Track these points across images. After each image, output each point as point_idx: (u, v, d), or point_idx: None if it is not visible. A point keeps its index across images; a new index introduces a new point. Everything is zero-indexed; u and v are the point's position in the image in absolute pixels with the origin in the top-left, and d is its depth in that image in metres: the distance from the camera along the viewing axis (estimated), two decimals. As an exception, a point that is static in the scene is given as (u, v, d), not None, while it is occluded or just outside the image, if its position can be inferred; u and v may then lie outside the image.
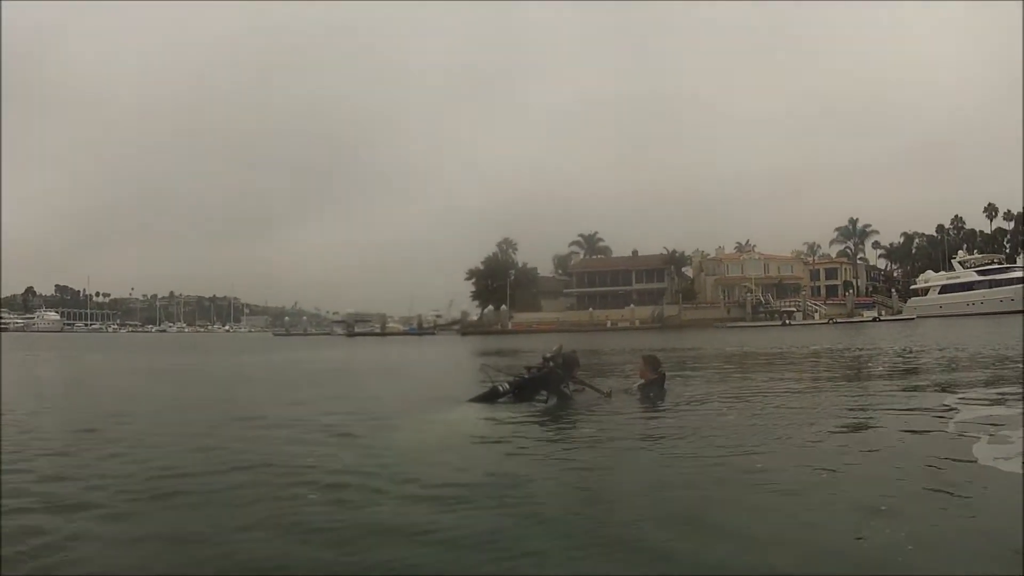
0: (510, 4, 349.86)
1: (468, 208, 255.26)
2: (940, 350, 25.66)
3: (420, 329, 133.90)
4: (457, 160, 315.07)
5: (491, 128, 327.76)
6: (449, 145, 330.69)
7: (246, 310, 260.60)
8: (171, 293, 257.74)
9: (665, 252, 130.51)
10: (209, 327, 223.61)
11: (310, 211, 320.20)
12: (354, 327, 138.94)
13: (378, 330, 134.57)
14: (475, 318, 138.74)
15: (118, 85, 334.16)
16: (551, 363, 11.96)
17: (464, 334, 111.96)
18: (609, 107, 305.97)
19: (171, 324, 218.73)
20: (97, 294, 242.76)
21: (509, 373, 12.92)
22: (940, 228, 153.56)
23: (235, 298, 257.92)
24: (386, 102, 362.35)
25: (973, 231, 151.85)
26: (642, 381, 12.87)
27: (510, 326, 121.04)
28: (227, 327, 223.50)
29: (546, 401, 11.53)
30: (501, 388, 11.84)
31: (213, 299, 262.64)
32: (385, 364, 33.88)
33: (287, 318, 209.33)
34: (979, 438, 7.68)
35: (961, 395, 11.55)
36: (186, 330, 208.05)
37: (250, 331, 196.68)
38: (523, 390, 11.79)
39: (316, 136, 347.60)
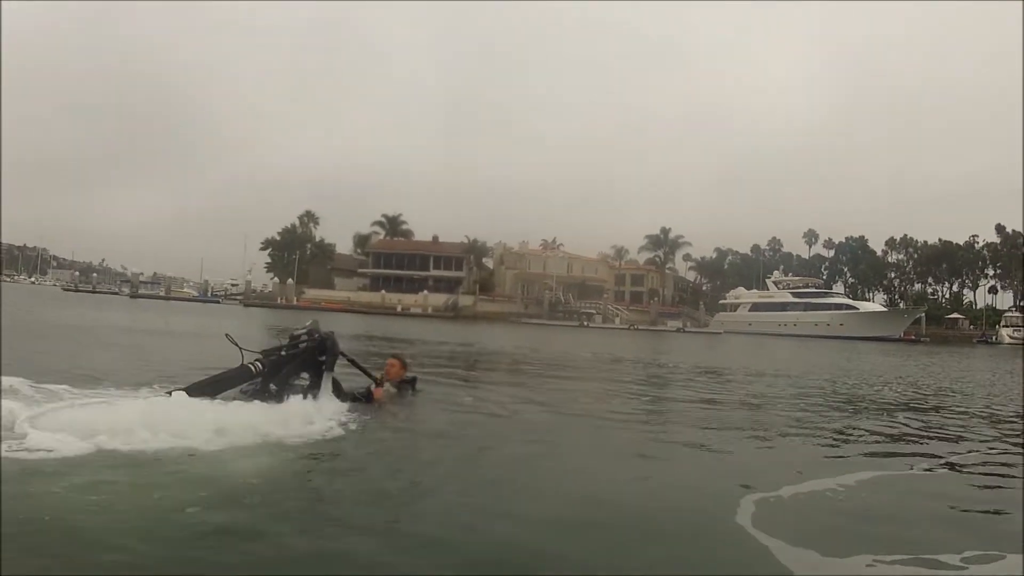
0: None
1: (280, 179, 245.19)
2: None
3: (205, 296, 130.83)
4: (278, 129, 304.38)
5: (312, 103, 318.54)
6: (272, 114, 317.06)
7: (54, 263, 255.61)
8: None
9: (467, 241, 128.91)
10: (15, 277, 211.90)
11: (124, 164, 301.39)
12: (138, 288, 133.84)
13: (162, 293, 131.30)
14: (263, 289, 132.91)
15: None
16: (302, 343, 9.71)
17: (247, 305, 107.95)
18: (434, 95, 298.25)
19: None
20: None
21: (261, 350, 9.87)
22: (756, 248, 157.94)
23: (44, 249, 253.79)
24: (219, 57, 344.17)
25: (790, 254, 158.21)
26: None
27: (296, 301, 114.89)
28: (32, 279, 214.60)
29: (306, 388, 9.44)
30: (254, 368, 9.31)
31: (23, 248, 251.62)
32: (117, 327, 32.36)
33: (95, 275, 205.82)
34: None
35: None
36: None
37: (54, 284, 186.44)
38: (278, 370, 9.42)
39: (141, 84, 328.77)
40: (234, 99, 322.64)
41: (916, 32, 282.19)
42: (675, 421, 11.40)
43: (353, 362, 10.87)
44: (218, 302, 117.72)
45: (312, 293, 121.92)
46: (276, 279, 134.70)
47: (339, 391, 9.86)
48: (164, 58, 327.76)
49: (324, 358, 9.70)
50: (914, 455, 9.24)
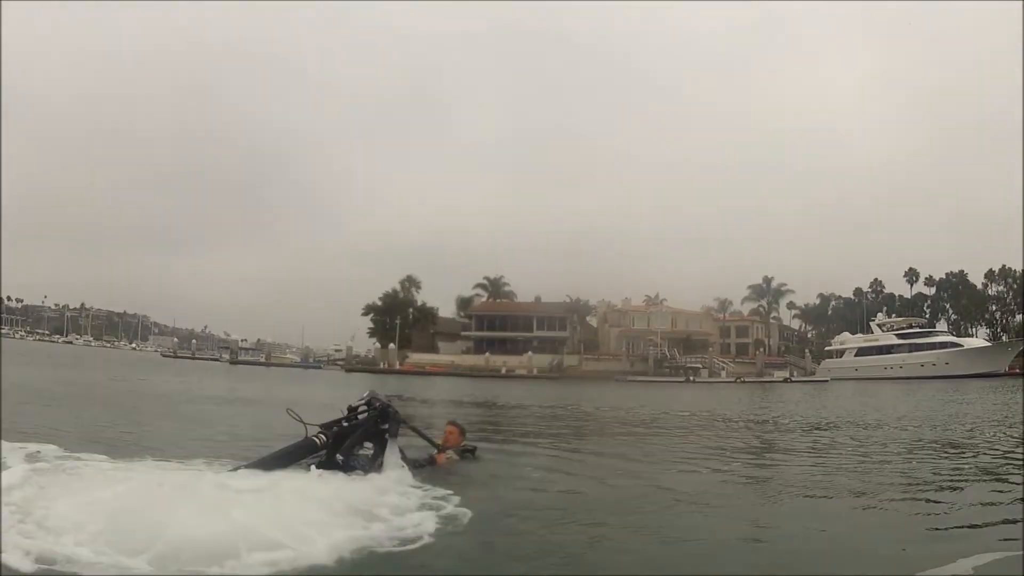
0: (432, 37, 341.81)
1: (381, 244, 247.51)
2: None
3: (306, 362, 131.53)
4: (370, 191, 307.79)
5: (404, 163, 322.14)
6: (361, 176, 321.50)
7: (155, 329, 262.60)
8: (82, 305, 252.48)
9: (568, 300, 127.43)
10: (116, 343, 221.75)
11: (221, 232, 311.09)
12: (238, 354, 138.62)
13: (263, 360, 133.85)
14: (367, 355, 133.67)
15: (41, 82, 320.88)
16: (361, 413, 9.89)
17: (348, 371, 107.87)
18: (517, 145, 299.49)
19: (78, 337, 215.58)
20: (9, 298, 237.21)
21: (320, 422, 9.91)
22: (858, 291, 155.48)
23: (144, 316, 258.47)
24: (307, 127, 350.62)
25: (892, 295, 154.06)
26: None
27: (398, 365, 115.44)
28: (133, 344, 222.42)
29: (371, 458, 9.71)
30: (318, 441, 9.40)
31: (123, 315, 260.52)
32: (211, 395, 32.72)
33: (194, 341, 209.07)
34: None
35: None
36: (92, 344, 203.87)
37: (156, 350, 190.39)
38: (341, 441, 9.51)
39: (232, 155, 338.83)
40: (329, 164, 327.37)
41: (1007, 64, 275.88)
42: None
43: (414, 429, 11.14)
44: (319, 367, 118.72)
45: (415, 357, 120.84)
46: (378, 344, 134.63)
47: (404, 459, 9.95)
48: (261, 125, 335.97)
49: (387, 426, 9.93)
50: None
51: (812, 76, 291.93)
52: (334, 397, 27.68)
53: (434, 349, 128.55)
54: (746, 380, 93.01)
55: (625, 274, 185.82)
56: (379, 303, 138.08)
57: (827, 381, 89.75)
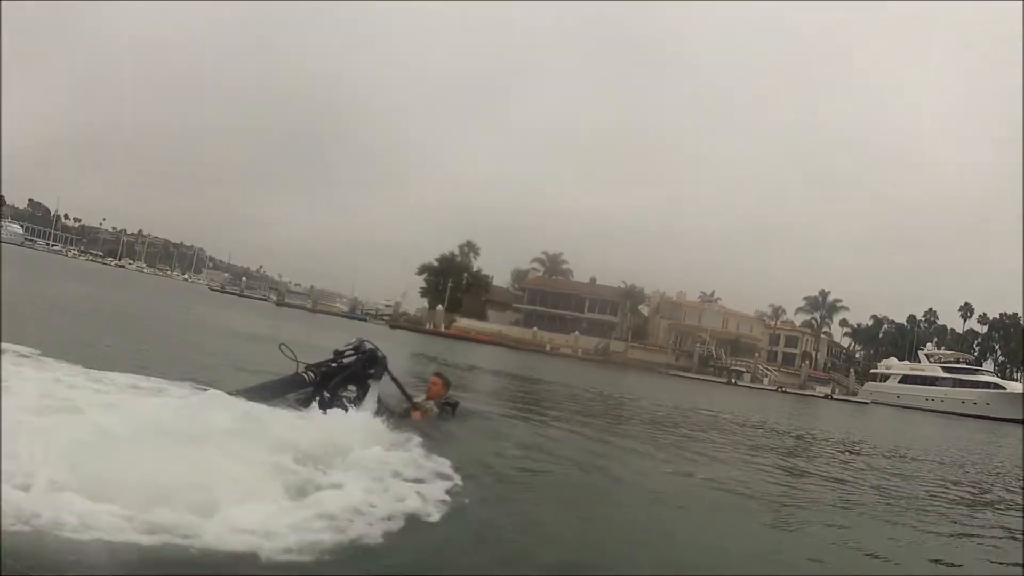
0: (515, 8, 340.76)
1: (441, 205, 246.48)
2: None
3: (353, 313, 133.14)
4: (439, 155, 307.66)
5: (477, 132, 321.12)
6: (434, 140, 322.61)
7: (209, 263, 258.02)
8: (140, 231, 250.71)
9: (623, 286, 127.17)
10: (169, 272, 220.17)
11: (291, 179, 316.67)
12: (284, 297, 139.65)
13: (308, 306, 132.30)
14: (413, 313, 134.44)
15: (122, 20, 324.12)
16: (347, 356, 10.53)
17: (393, 327, 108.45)
18: (592, 130, 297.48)
19: (131, 262, 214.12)
20: (66, 217, 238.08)
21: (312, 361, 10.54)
22: (911, 318, 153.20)
23: (201, 249, 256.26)
24: (385, 89, 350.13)
25: (944, 327, 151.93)
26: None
27: (443, 328, 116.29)
28: (186, 276, 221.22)
29: (353, 399, 10.32)
30: (307, 377, 10.10)
31: (179, 246, 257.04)
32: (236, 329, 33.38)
33: (244, 278, 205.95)
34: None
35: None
36: (144, 270, 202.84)
37: (208, 284, 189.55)
38: (328, 380, 10.18)
39: (310, 107, 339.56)
40: (410, 121, 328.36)
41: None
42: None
43: (395, 380, 11.29)
44: (365, 320, 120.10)
45: (463, 322, 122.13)
46: (427, 304, 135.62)
47: (380, 405, 10.45)
48: (338, 80, 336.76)
49: (372, 371, 10.49)
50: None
51: (898, 100, 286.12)
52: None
53: (483, 317, 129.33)
54: (788, 390, 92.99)
55: (683, 267, 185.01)
56: (435, 263, 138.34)
57: (867, 403, 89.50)
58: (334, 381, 10.18)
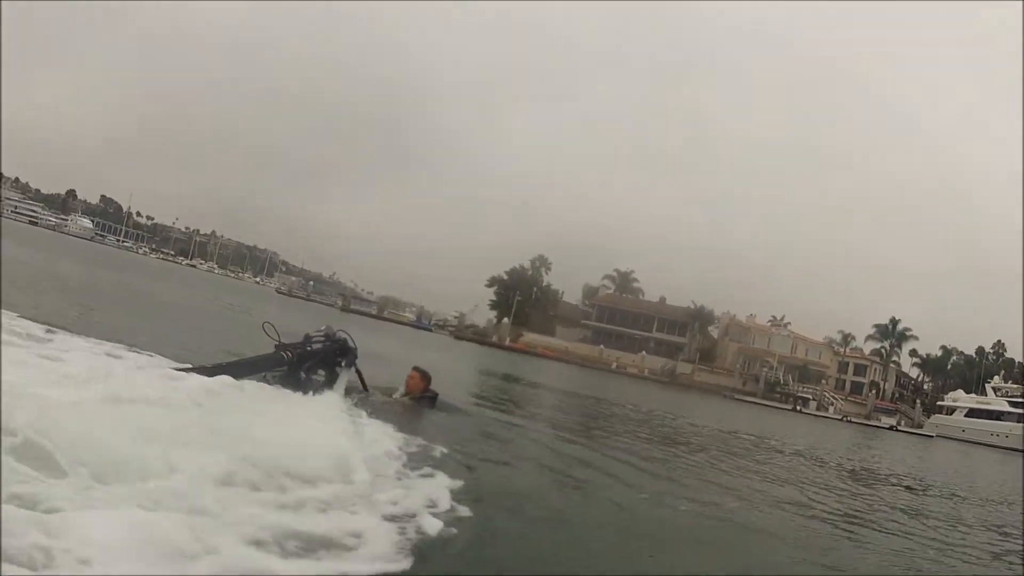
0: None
1: (525, 222, 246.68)
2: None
3: (418, 322, 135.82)
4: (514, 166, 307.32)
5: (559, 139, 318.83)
6: (508, 145, 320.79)
7: (282, 267, 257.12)
8: (213, 232, 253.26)
9: (693, 307, 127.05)
10: (240, 274, 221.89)
11: (369, 180, 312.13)
12: (350, 303, 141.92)
13: (373, 312, 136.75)
14: (479, 325, 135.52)
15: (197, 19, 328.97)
16: (316, 343, 11.23)
17: (458, 338, 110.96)
18: (669, 147, 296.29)
19: (203, 262, 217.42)
20: (138, 214, 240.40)
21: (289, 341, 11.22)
22: (980, 350, 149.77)
23: (274, 253, 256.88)
24: (459, 88, 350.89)
25: (1012, 360, 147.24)
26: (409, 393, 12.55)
27: (507, 341, 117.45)
28: (257, 279, 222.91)
29: (324, 382, 10.99)
30: (286, 356, 10.76)
31: (253, 248, 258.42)
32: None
33: (311, 283, 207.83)
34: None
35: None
36: (215, 271, 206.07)
37: (276, 287, 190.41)
38: (304, 362, 10.90)
39: (381, 107, 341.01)
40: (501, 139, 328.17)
41: None
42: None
43: (359, 372, 11.74)
44: (430, 330, 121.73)
45: (530, 337, 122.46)
46: (494, 318, 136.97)
47: (350, 388, 11.24)
48: (429, 84, 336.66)
49: (342, 360, 11.27)
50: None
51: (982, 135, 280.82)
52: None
53: (551, 332, 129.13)
54: (853, 420, 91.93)
55: (753, 287, 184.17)
56: (504, 276, 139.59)
57: (932, 436, 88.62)
58: (309, 364, 10.96)
